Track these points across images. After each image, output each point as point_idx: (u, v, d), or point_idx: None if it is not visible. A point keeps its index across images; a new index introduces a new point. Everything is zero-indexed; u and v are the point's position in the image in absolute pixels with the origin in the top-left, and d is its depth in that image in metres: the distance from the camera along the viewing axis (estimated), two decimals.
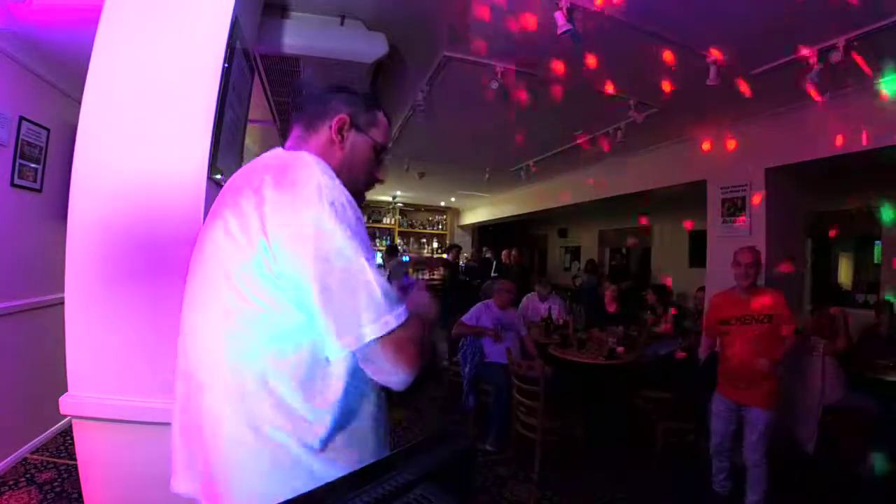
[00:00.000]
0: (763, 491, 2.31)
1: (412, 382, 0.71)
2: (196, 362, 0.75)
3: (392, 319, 0.67)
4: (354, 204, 0.71)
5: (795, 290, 3.50)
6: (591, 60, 2.51)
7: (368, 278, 0.67)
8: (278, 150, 0.83)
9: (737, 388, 2.38)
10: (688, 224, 6.16)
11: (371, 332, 0.66)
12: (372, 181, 0.90)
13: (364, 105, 0.87)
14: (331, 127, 0.83)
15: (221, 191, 0.84)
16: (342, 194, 0.70)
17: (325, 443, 0.70)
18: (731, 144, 3.53)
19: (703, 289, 4.02)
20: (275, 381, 0.68)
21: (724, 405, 2.44)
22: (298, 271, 0.66)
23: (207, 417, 0.71)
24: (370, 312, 0.66)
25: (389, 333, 0.67)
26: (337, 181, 0.71)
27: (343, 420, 0.72)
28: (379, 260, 9.01)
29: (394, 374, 0.69)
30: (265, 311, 0.68)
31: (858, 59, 2.21)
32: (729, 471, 2.50)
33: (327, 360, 0.70)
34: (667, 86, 2.81)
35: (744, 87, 2.70)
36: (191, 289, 0.79)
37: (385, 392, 0.80)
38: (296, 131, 0.86)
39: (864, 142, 2.69)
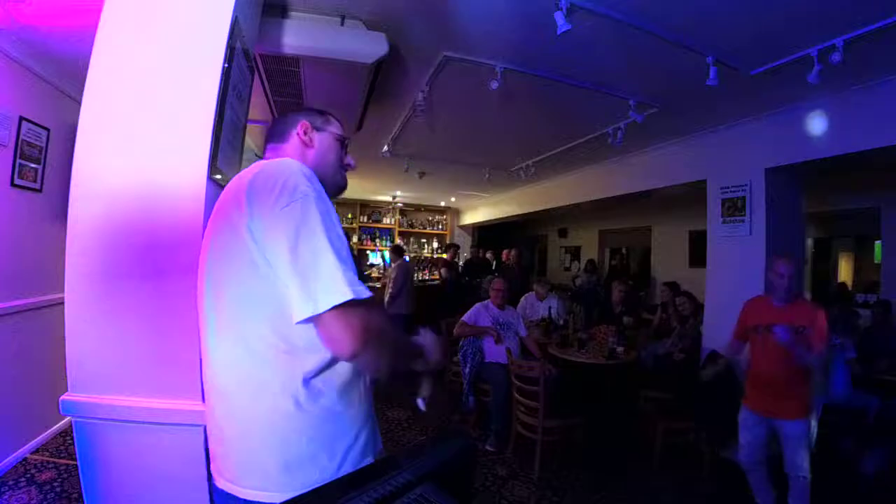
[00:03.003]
0: (807, 501, 2.17)
1: (378, 366, 0.84)
2: (207, 348, 0.87)
3: (348, 293, 0.75)
4: (324, 196, 0.83)
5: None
6: (591, 60, 2.51)
7: (330, 257, 0.76)
8: (262, 161, 0.94)
9: (765, 399, 2.26)
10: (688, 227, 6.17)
11: (326, 302, 0.74)
12: (345, 167, 1.07)
13: (317, 112, 1.06)
14: (298, 133, 1.00)
15: (218, 200, 0.94)
16: (311, 188, 0.81)
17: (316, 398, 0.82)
18: (732, 144, 3.53)
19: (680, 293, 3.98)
20: (274, 351, 0.80)
21: (751, 416, 2.32)
22: (275, 250, 0.77)
23: (217, 392, 0.86)
24: (328, 285, 0.75)
25: (341, 305, 0.74)
26: (308, 178, 0.83)
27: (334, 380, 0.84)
28: (378, 259, 9.02)
29: (342, 344, 0.77)
30: (260, 294, 0.80)
31: (858, 59, 2.21)
32: (767, 480, 2.36)
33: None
34: (667, 86, 2.81)
35: (743, 88, 2.70)
36: (203, 288, 0.90)
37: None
38: (269, 147, 1.03)
39: (865, 142, 2.69)
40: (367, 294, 0.77)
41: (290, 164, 0.85)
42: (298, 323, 0.76)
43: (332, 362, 0.83)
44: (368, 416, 0.91)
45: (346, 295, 0.74)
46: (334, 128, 1.06)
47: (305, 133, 1.00)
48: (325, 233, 0.77)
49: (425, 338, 0.99)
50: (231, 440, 0.83)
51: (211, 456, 0.88)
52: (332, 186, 1.02)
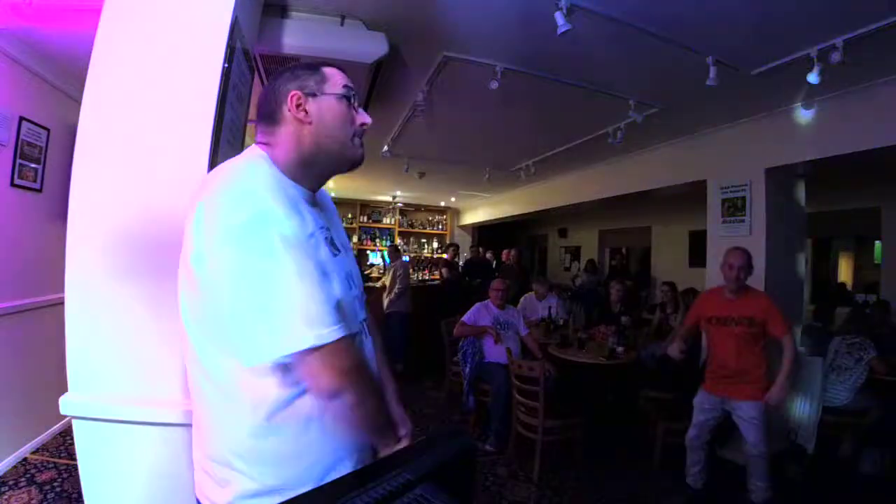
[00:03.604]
0: (767, 478, 2.32)
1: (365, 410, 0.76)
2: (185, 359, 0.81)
3: (296, 343, 0.67)
4: (281, 215, 0.69)
5: (795, 290, 3.50)
6: (591, 60, 2.51)
7: (279, 296, 0.67)
8: (239, 156, 0.83)
9: (721, 384, 2.41)
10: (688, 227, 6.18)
11: (273, 352, 0.68)
12: (359, 131, 0.86)
13: (306, 71, 0.83)
14: (290, 109, 0.80)
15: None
16: (265, 210, 0.68)
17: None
18: (732, 144, 3.53)
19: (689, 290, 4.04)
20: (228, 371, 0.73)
21: (708, 400, 2.48)
22: (218, 286, 0.69)
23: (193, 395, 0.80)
24: (276, 333, 0.67)
25: (309, 352, 0.68)
26: (260, 196, 0.70)
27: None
28: (378, 259, 9.02)
29: (319, 382, 0.71)
30: (212, 323, 0.73)
31: (859, 59, 2.21)
32: (704, 464, 2.53)
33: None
34: (667, 86, 2.81)
35: (743, 88, 2.70)
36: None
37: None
38: (259, 130, 0.85)
39: (865, 142, 2.69)
40: (335, 335, 0.69)
41: (241, 177, 0.73)
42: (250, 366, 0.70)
43: (296, 396, 0.74)
44: (345, 448, 0.81)
45: (297, 345, 0.67)
46: (332, 85, 0.83)
47: (298, 107, 0.80)
48: (273, 272, 0.67)
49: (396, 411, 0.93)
50: (200, 459, 0.80)
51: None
52: (343, 162, 0.85)
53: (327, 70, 0.85)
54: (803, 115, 3.00)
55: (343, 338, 0.70)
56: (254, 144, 0.84)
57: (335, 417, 0.75)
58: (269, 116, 0.82)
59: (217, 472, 0.76)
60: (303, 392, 0.74)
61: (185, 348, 0.78)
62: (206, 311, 0.72)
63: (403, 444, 0.87)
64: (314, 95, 0.81)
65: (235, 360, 0.72)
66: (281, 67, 0.87)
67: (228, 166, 0.78)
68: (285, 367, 0.71)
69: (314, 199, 0.87)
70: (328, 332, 0.68)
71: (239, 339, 0.69)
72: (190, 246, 0.71)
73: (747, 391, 2.31)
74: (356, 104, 0.86)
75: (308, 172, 0.83)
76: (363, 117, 0.86)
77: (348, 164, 0.86)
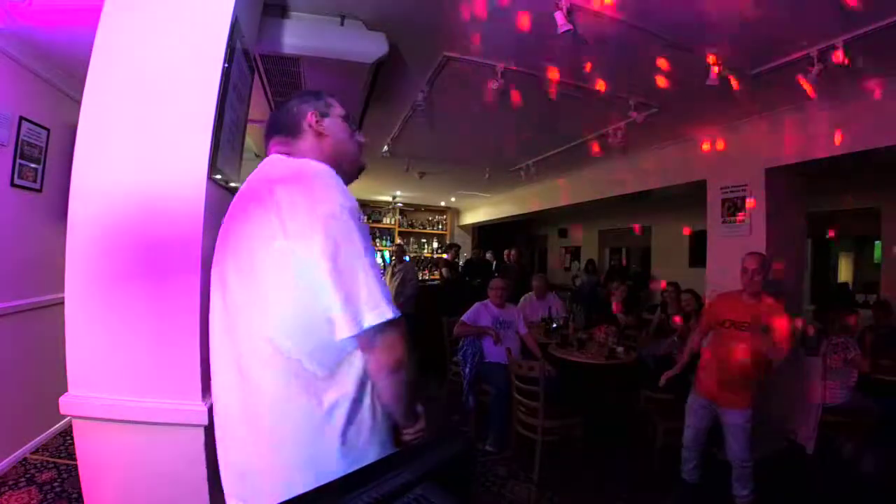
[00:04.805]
0: (752, 486, 2.33)
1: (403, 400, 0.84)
2: (238, 352, 0.82)
3: (389, 312, 0.76)
4: (358, 211, 0.81)
5: (794, 291, 3.49)
6: (591, 60, 2.51)
7: (371, 274, 0.77)
8: (280, 158, 0.94)
9: (712, 386, 2.40)
10: (686, 230, 6.20)
11: (371, 319, 0.75)
12: (360, 146, 1.04)
13: (314, 96, 1.01)
14: (310, 125, 0.96)
15: (236, 197, 0.94)
16: (349, 200, 0.80)
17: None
18: (732, 144, 3.53)
19: (689, 291, 4.04)
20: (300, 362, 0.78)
21: (698, 402, 2.48)
22: (316, 266, 0.74)
23: (237, 415, 0.84)
24: (372, 303, 0.76)
25: (385, 325, 0.76)
26: (344, 188, 0.82)
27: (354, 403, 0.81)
28: (378, 259, 9.01)
29: (385, 364, 0.80)
30: (293, 299, 0.77)
31: (858, 59, 2.21)
32: (699, 460, 2.54)
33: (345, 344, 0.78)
34: (667, 86, 2.81)
35: (743, 88, 2.70)
36: (220, 305, 0.87)
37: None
38: (277, 139, 0.98)
39: (864, 142, 2.69)
40: (398, 313, 0.79)
41: (323, 171, 0.83)
42: (341, 339, 0.75)
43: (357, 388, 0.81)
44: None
45: (388, 314, 0.76)
46: (337, 109, 1.01)
47: (317, 122, 0.96)
48: (364, 250, 0.78)
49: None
50: (263, 462, 0.80)
51: (228, 481, 0.86)
52: (356, 170, 1.03)
53: (328, 98, 1.02)
54: (806, 118, 3.00)
55: (401, 317, 0.80)
56: (273, 154, 0.96)
57: (384, 394, 0.83)
58: (290, 128, 0.97)
59: (301, 463, 0.78)
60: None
61: (248, 359, 0.80)
62: (300, 283, 0.76)
63: (421, 422, 0.93)
64: (325, 115, 0.99)
65: (314, 355, 0.77)
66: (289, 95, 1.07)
67: (296, 161, 0.90)
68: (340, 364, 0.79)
69: None
70: (395, 310, 0.78)
71: (337, 309, 0.74)
72: (277, 231, 0.76)
73: (736, 399, 2.31)
74: (353, 127, 1.04)
75: None
76: (359, 137, 1.05)
77: (357, 171, 1.04)
